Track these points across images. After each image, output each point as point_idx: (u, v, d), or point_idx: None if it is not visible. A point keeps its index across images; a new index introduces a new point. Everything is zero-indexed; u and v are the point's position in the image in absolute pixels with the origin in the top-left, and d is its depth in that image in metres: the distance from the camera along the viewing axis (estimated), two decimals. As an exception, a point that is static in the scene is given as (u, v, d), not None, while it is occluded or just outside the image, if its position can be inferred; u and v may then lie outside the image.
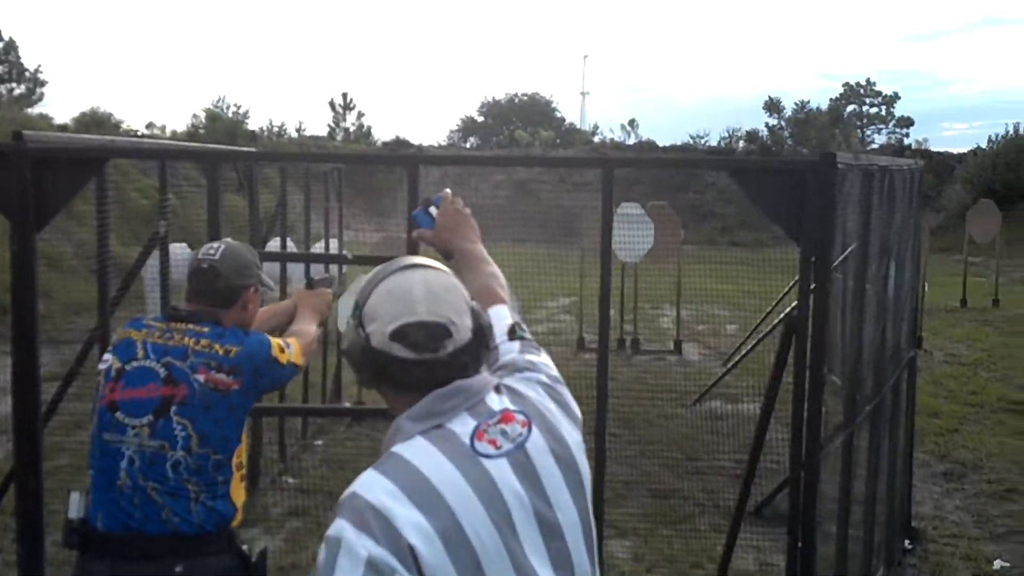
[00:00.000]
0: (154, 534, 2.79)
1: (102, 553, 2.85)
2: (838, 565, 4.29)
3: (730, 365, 9.91)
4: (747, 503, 4.52)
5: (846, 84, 51.34)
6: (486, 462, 1.61)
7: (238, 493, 2.93)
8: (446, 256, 2.23)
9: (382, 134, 44.40)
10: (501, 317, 1.98)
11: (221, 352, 2.86)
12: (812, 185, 3.69)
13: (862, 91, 51.38)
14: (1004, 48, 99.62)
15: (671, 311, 12.76)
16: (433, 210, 2.28)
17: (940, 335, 12.95)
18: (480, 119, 52.48)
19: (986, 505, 6.71)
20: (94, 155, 4.05)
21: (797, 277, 11.01)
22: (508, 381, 1.79)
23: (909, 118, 51.01)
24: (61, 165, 3.86)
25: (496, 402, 1.69)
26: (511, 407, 1.70)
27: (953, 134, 75.63)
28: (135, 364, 2.85)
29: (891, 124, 50.97)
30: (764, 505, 6.09)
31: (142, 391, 2.81)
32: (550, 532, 1.63)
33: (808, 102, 39.68)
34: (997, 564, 5.67)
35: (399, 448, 1.62)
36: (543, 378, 1.85)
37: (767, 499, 6.07)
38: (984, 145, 31.12)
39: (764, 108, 39.16)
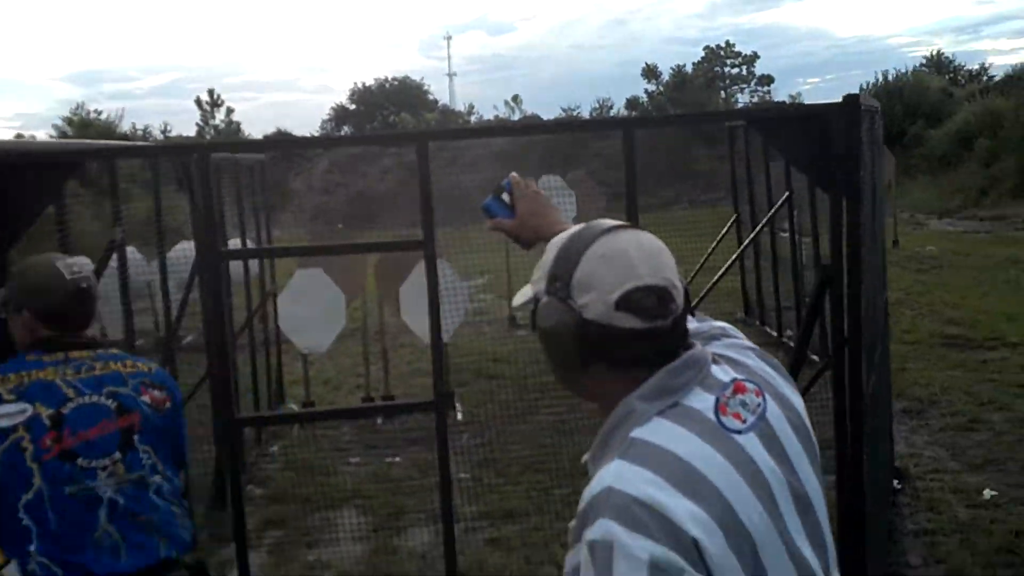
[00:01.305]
0: (152, 565, 2.60)
1: None
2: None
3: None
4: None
5: (707, 47, 52.56)
6: (738, 438, 1.46)
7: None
8: (527, 246, 2.08)
9: (252, 129, 43.24)
10: None
11: (145, 369, 2.74)
12: (838, 129, 3.60)
13: (722, 52, 52.63)
14: (847, 2, 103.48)
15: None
16: (506, 197, 2.10)
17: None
18: (352, 107, 51.48)
19: (954, 438, 6.84)
20: (67, 159, 3.65)
21: (720, 235, 10.96)
22: (717, 349, 1.63)
23: (769, 76, 52.63)
24: (30, 172, 3.47)
25: (721, 373, 1.54)
26: (738, 376, 1.54)
27: (808, 88, 78.09)
28: (72, 405, 2.57)
29: (752, 83, 52.48)
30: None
31: (96, 430, 2.57)
32: (803, 507, 1.50)
33: (684, 66, 40.54)
34: (987, 494, 5.75)
35: (640, 433, 1.45)
36: (745, 342, 1.71)
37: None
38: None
39: (642, 75, 39.97)
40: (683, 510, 1.35)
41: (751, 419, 1.49)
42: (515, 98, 41.51)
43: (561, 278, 1.51)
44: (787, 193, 8.94)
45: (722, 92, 48.33)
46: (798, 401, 1.62)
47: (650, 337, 1.47)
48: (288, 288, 7.63)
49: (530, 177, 2.16)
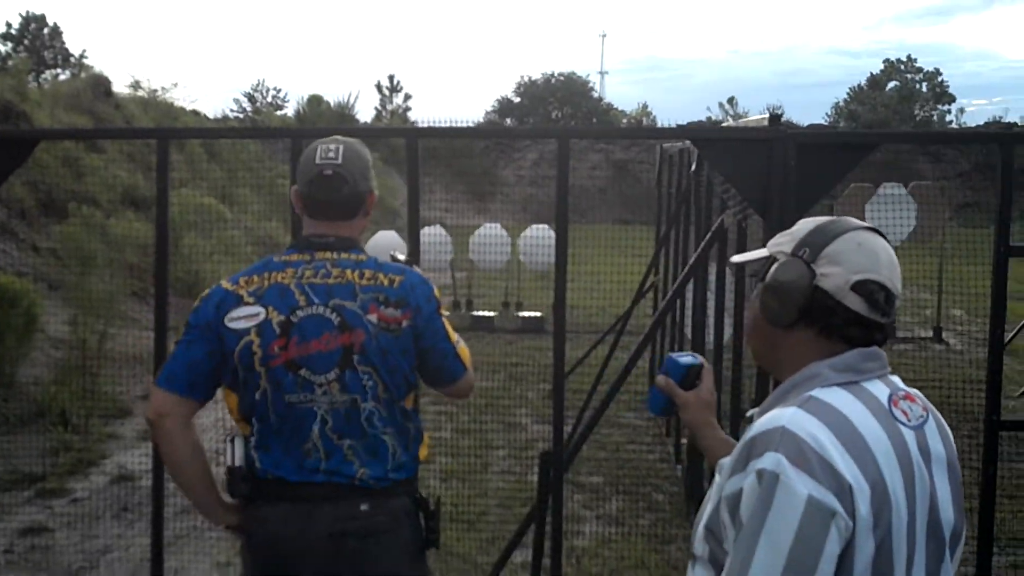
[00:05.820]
0: (342, 484, 2.54)
1: (279, 497, 2.55)
2: None
3: None
4: None
5: (887, 60, 50.79)
6: (901, 427, 1.61)
7: (424, 451, 2.70)
8: (677, 416, 2.14)
9: (421, 116, 43.53)
10: None
11: (386, 283, 2.55)
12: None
13: (903, 67, 50.78)
14: (1020, 24, 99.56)
15: (928, 295, 12.11)
16: (682, 357, 2.08)
17: None
18: (516, 99, 51.37)
19: None
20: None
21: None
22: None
23: (951, 94, 50.53)
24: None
25: (898, 382, 1.70)
26: (911, 391, 1.69)
27: (973, 110, 75.50)
28: (301, 314, 2.50)
29: (931, 101, 50.46)
30: None
31: (319, 344, 2.49)
32: (934, 520, 1.61)
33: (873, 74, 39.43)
34: None
35: (820, 394, 1.60)
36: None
37: None
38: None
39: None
40: (845, 462, 1.49)
41: (914, 422, 1.63)
42: (731, 100, 40.76)
43: (811, 247, 1.67)
44: None
45: (918, 109, 46.92)
46: (955, 447, 1.70)
47: (864, 325, 1.64)
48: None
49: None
